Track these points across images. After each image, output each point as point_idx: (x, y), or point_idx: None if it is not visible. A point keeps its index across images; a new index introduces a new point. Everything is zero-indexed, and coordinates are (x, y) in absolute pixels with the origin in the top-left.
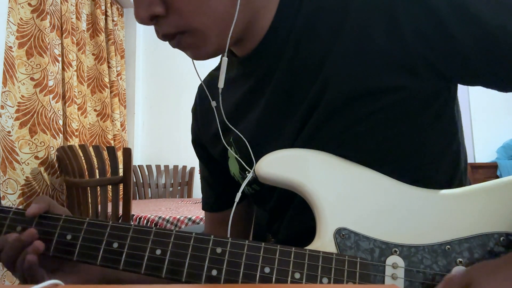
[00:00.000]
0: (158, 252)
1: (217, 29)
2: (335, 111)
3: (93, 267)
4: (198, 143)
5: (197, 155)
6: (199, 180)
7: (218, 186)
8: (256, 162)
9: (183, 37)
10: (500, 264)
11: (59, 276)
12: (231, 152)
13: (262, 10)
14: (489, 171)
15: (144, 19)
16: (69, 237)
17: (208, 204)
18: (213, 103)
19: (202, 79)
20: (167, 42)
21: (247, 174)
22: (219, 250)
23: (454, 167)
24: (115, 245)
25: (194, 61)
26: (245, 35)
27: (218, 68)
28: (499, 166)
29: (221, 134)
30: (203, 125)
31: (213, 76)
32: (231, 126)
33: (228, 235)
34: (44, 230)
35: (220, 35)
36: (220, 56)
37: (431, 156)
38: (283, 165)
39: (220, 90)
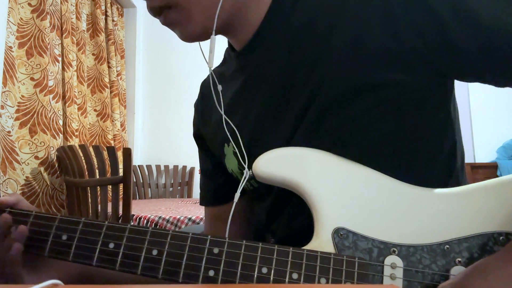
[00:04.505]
0: (155, 252)
1: (200, 6)
2: (331, 107)
3: (70, 263)
4: (199, 136)
5: (198, 147)
6: (199, 180)
7: (218, 178)
8: (251, 160)
9: (169, 12)
10: (490, 264)
11: (36, 273)
12: (228, 150)
13: None
14: (489, 171)
15: None
16: (64, 237)
17: (206, 198)
18: (219, 87)
19: (204, 79)
20: (167, 42)
21: (244, 172)
22: (216, 250)
23: (450, 164)
24: (111, 245)
25: (201, 47)
26: (236, 23)
27: (221, 65)
28: (499, 166)
29: (226, 130)
30: (204, 120)
31: (215, 72)
32: (229, 122)
33: (227, 234)
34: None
35: (204, 14)
36: (224, 53)
37: (427, 152)
38: (280, 164)
39: (210, 71)
